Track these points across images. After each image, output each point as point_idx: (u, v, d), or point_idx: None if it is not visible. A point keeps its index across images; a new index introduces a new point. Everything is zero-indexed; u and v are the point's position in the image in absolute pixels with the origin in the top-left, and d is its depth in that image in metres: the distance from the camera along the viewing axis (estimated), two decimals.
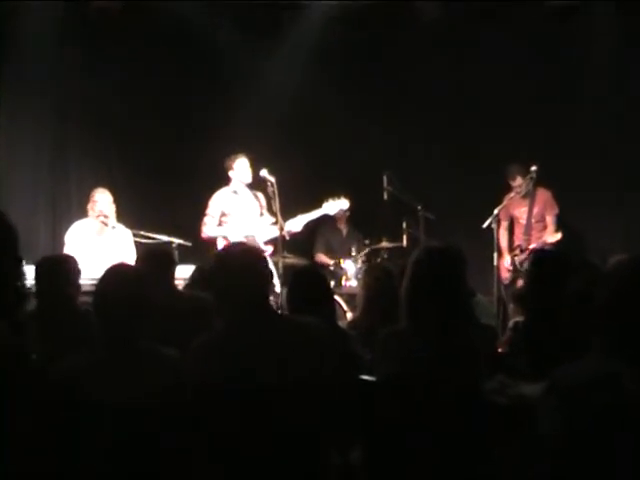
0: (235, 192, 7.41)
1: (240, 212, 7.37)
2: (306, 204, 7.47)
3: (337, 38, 8.49)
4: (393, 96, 8.61)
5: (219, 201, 7.36)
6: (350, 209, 7.98)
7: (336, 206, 7.45)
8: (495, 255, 7.39)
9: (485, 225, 7.37)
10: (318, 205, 7.42)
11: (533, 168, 7.47)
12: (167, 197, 8.23)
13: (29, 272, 6.27)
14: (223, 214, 7.34)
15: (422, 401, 3.14)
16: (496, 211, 7.38)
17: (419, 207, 7.68)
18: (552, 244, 7.43)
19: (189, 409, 2.92)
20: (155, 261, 4.45)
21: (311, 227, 7.75)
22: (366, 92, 8.61)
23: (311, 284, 4.02)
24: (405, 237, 7.81)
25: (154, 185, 8.29)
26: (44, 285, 4.11)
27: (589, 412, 2.46)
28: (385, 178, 7.79)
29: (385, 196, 7.79)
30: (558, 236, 7.50)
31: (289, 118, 8.36)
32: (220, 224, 7.34)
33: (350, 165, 8.45)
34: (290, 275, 4.17)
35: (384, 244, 7.94)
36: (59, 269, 4.17)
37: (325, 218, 7.83)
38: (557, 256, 4.16)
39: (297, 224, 7.18)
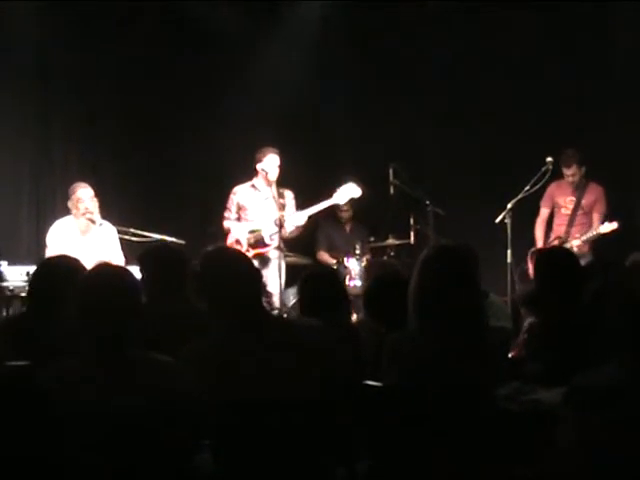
0: (254, 186, 7.48)
1: (255, 206, 7.45)
2: (305, 198, 7.49)
3: (338, 27, 8.50)
4: (400, 83, 8.59)
5: (236, 195, 7.51)
6: (354, 204, 7.99)
7: (346, 194, 7.44)
8: (509, 252, 7.34)
9: (498, 220, 7.36)
10: (318, 199, 7.44)
11: (549, 159, 7.44)
12: (158, 192, 8.25)
13: (11, 274, 6.36)
14: (240, 208, 7.48)
15: (432, 408, 3.15)
16: (510, 205, 7.36)
17: (428, 202, 7.67)
18: (606, 234, 7.28)
19: (183, 416, 2.94)
20: (164, 264, 4.13)
21: (312, 223, 7.77)
22: (370, 79, 8.61)
23: (326, 288, 4.05)
24: (413, 234, 7.81)
25: (144, 180, 8.31)
26: (41, 287, 4.04)
27: (608, 420, 2.47)
28: (391, 171, 7.79)
29: (391, 190, 7.80)
30: (614, 225, 7.27)
31: (288, 109, 8.35)
32: (239, 218, 7.48)
33: (353, 157, 8.45)
34: (303, 279, 4.19)
35: (390, 241, 7.93)
36: (60, 271, 4.06)
37: (327, 214, 7.84)
38: (569, 255, 4.17)
39: (301, 217, 7.28)
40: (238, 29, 8.37)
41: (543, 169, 7.47)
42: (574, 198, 7.59)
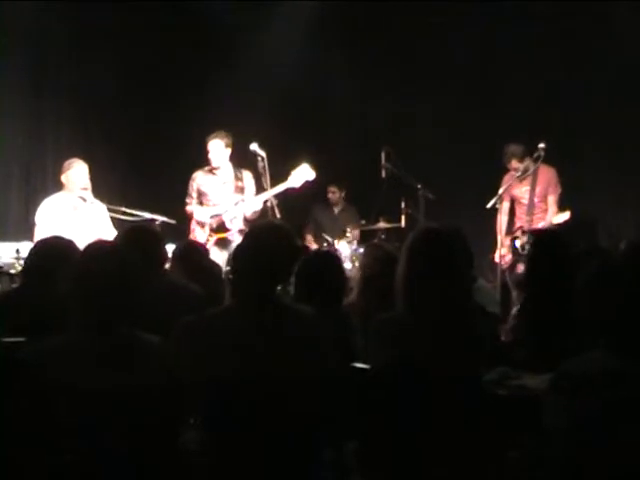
0: (211, 171, 7.41)
1: (214, 191, 7.36)
2: None
3: (335, 14, 8.49)
4: (393, 68, 8.60)
5: (195, 180, 7.42)
6: (345, 187, 7.98)
7: (300, 178, 7.24)
8: (499, 238, 7.37)
9: (489, 206, 7.34)
10: (311, 182, 7.43)
11: (541, 145, 7.42)
12: (149, 171, 8.25)
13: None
14: (200, 194, 7.38)
15: (418, 392, 3.16)
16: (501, 191, 7.37)
17: (419, 186, 7.68)
18: (559, 225, 7.33)
19: (170, 396, 2.95)
20: (140, 242, 4.14)
21: (305, 206, 7.78)
22: (364, 64, 8.61)
23: (325, 273, 4.06)
24: (403, 218, 7.83)
25: (136, 158, 8.31)
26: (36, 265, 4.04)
27: (595, 406, 2.49)
28: (383, 154, 7.79)
29: (383, 174, 7.80)
30: (566, 215, 7.33)
31: (281, 91, 8.36)
32: (201, 203, 7.38)
33: (346, 141, 8.45)
34: (300, 265, 4.20)
35: (381, 225, 7.95)
36: (55, 251, 4.05)
37: (318, 197, 7.85)
38: (558, 237, 4.17)
39: (257, 202, 7.18)
40: (233, 17, 8.36)
41: (535, 155, 7.47)
42: (529, 187, 7.57)
